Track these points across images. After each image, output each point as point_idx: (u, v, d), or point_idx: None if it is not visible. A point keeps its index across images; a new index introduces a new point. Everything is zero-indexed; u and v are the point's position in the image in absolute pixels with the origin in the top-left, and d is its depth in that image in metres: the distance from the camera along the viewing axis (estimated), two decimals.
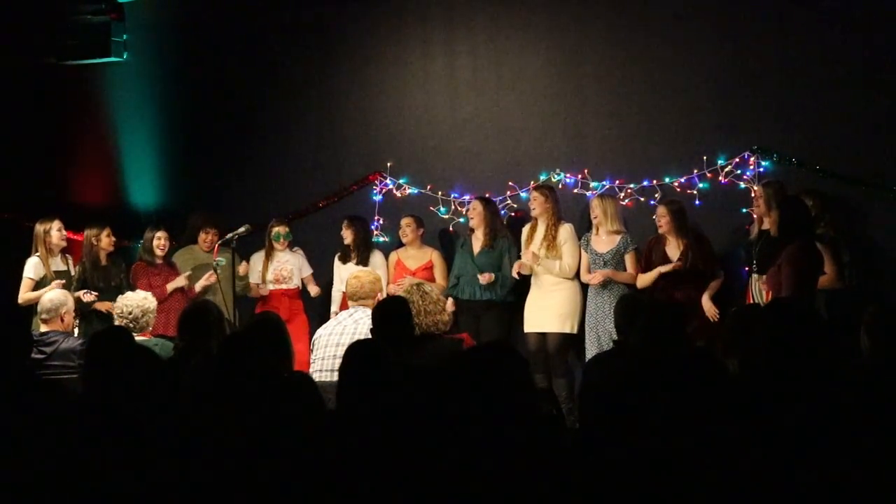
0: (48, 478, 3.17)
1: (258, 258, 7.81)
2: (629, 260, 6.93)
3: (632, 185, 7.34)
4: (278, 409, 3.14)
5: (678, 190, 7.18)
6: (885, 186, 6.75)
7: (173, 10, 8.80)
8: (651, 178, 7.29)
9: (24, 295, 7.17)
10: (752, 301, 6.49)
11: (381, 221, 7.96)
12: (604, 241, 6.98)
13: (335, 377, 4.11)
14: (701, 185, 7.15)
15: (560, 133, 7.66)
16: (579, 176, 7.49)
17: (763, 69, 7.09)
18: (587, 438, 3.18)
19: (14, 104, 8.87)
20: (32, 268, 7.23)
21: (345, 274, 7.19)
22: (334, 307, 7.58)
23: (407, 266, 7.51)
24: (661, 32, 7.38)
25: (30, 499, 3.16)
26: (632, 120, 7.45)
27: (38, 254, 7.27)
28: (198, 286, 7.45)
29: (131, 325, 5.55)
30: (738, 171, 7.07)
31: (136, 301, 5.67)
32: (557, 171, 7.55)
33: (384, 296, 6.36)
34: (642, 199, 7.30)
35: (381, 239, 7.90)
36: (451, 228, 7.83)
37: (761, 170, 7.00)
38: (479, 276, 7.12)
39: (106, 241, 7.42)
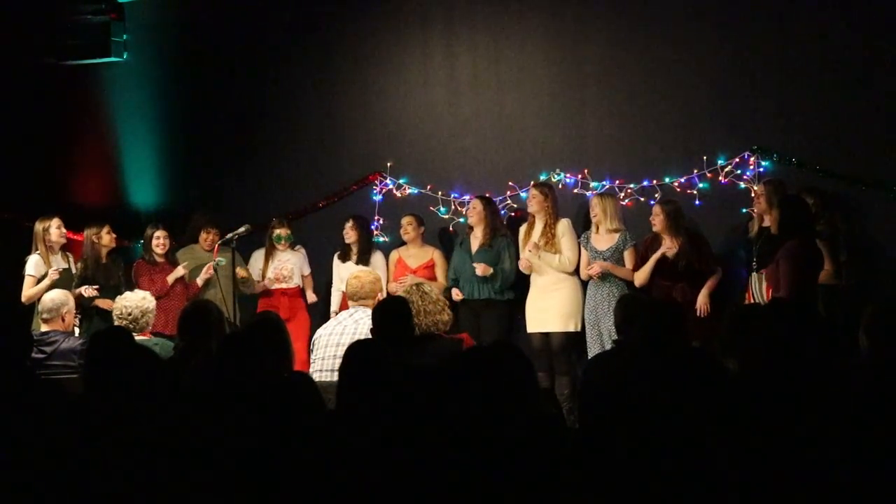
0: (48, 478, 3.17)
1: (259, 255, 7.81)
2: (628, 256, 6.94)
3: (632, 185, 7.34)
4: (278, 409, 3.14)
5: (678, 190, 7.19)
6: (885, 186, 6.76)
7: (173, 10, 8.80)
8: (651, 178, 7.29)
9: (27, 292, 7.17)
10: (752, 299, 6.50)
11: (381, 221, 7.96)
12: (603, 238, 6.99)
13: (335, 377, 4.11)
14: (701, 185, 7.15)
15: (560, 133, 7.66)
16: (579, 176, 7.49)
17: (763, 69, 7.09)
18: (587, 438, 3.18)
19: (14, 104, 8.87)
20: (34, 265, 7.23)
21: (344, 273, 7.20)
22: (334, 307, 7.58)
23: (408, 265, 7.52)
24: (661, 32, 7.38)
25: (30, 499, 3.16)
26: (632, 120, 7.45)
27: (38, 252, 7.28)
28: (199, 280, 7.46)
29: (131, 325, 5.54)
30: (738, 171, 7.07)
31: (134, 301, 5.67)
32: (557, 171, 7.55)
33: (384, 296, 6.37)
34: (642, 198, 7.30)
35: (382, 239, 7.91)
36: (451, 228, 7.83)
37: (761, 170, 7.00)
38: (475, 266, 7.12)
39: (107, 238, 7.43)
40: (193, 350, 4.63)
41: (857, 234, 6.75)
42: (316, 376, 5.12)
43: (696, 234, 6.89)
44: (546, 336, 7.05)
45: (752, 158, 7.04)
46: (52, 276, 7.02)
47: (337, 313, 6.91)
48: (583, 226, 7.28)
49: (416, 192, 7.90)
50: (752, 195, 6.86)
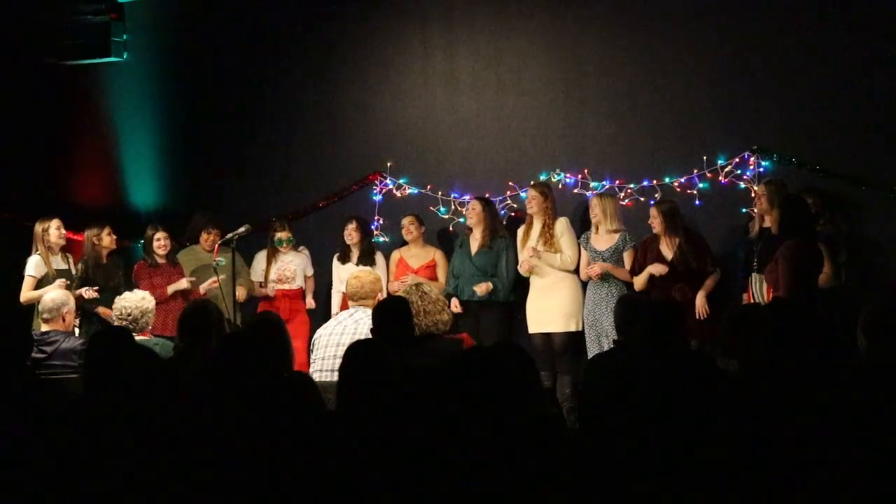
0: (48, 478, 3.17)
1: (261, 257, 7.81)
2: (628, 257, 6.94)
3: (632, 185, 7.34)
4: (278, 409, 3.14)
5: (678, 190, 7.19)
6: (885, 186, 6.76)
7: (173, 10, 8.80)
8: (651, 178, 7.29)
9: (26, 294, 7.17)
10: (752, 300, 6.49)
11: (381, 221, 7.96)
12: (603, 239, 6.99)
13: (335, 377, 4.11)
14: (701, 185, 7.15)
15: (560, 133, 7.66)
16: (579, 176, 7.49)
17: (763, 69, 7.09)
18: (587, 438, 3.18)
19: (14, 104, 8.87)
20: (34, 266, 7.23)
21: (344, 274, 7.20)
22: (334, 309, 7.58)
23: (410, 265, 7.52)
24: (661, 32, 7.38)
25: (30, 499, 3.16)
26: (632, 120, 7.45)
27: (38, 252, 7.28)
28: (202, 288, 7.42)
29: (130, 325, 5.55)
30: (738, 171, 7.07)
31: (134, 302, 5.67)
32: (557, 171, 7.55)
33: (384, 296, 6.37)
34: (642, 199, 7.30)
35: (382, 239, 7.91)
36: (450, 228, 7.83)
37: (761, 170, 7.00)
38: (475, 288, 7.12)
39: (107, 239, 7.42)
40: (193, 350, 4.63)
41: (857, 234, 6.75)
42: (316, 376, 5.12)
43: (695, 234, 6.90)
44: (548, 336, 7.06)
45: (752, 158, 7.04)
46: (60, 284, 6.99)
47: (337, 314, 6.91)
48: (582, 226, 7.28)
49: (416, 192, 7.90)
50: (752, 195, 6.86)
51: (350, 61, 8.22)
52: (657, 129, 7.37)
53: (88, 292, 7.06)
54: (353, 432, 3.17)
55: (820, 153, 6.91)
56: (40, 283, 7.14)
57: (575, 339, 7.01)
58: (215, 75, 8.59)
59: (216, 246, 7.51)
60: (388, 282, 7.46)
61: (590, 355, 6.67)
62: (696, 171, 7.16)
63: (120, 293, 6.11)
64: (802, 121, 7.00)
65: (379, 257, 7.65)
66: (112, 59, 8.67)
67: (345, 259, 7.67)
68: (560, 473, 2.86)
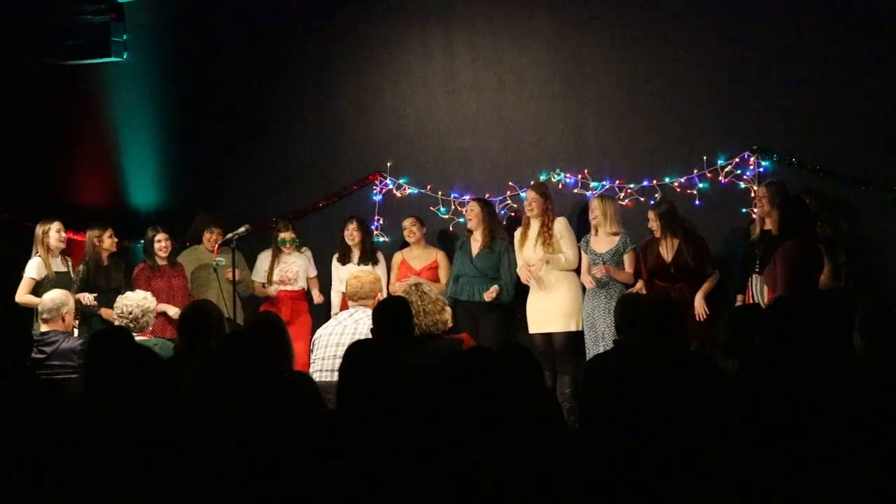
0: (48, 478, 3.17)
1: (265, 257, 7.80)
2: (628, 260, 6.94)
3: (632, 185, 7.34)
4: (278, 409, 3.14)
5: (678, 190, 7.19)
6: (885, 187, 6.75)
7: (173, 10, 8.80)
8: (651, 178, 7.29)
9: (23, 297, 7.15)
10: (751, 301, 6.49)
11: (381, 221, 7.96)
12: (603, 241, 6.99)
13: (335, 377, 4.11)
14: (701, 185, 7.15)
15: (560, 133, 7.66)
16: (579, 176, 7.49)
17: (763, 69, 7.09)
18: (587, 438, 3.18)
19: (14, 104, 8.87)
20: (35, 268, 7.22)
21: (344, 275, 7.19)
22: (334, 309, 7.57)
23: (412, 266, 7.51)
24: (661, 32, 7.38)
25: (30, 499, 3.16)
26: (632, 120, 7.45)
27: (38, 255, 7.27)
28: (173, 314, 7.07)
29: (131, 325, 5.55)
30: (738, 171, 7.07)
31: (135, 301, 5.68)
32: (557, 171, 7.55)
33: (384, 296, 6.37)
34: (642, 199, 7.30)
35: (382, 239, 7.90)
36: (450, 228, 7.83)
37: (761, 170, 7.00)
38: (484, 295, 7.11)
39: (108, 241, 7.41)
40: (193, 350, 4.63)
41: (857, 234, 6.75)
42: (316, 376, 5.12)
43: (695, 234, 6.89)
44: (548, 336, 7.05)
45: (752, 158, 7.04)
46: (88, 300, 7.01)
47: (337, 314, 6.90)
48: (578, 225, 7.27)
49: (416, 192, 7.90)
50: (753, 196, 6.86)
51: (350, 61, 8.22)
52: (657, 129, 7.37)
53: (87, 298, 7.05)
54: (353, 432, 3.17)
55: (820, 153, 6.91)
56: (38, 284, 7.12)
57: (575, 339, 7.01)
58: (215, 75, 8.59)
59: (216, 246, 7.51)
60: (388, 282, 7.46)
61: (589, 356, 6.68)
62: (696, 171, 7.16)
63: (122, 294, 6.11)
64: (802, 121, 7.00)
65: (380, 257, 7.65)
66: (112, 59, 8.68)
67: (345, 259, 7.66)
68: (560, 474, 2.86)
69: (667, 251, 6.76)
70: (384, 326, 4.62)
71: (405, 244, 7.63)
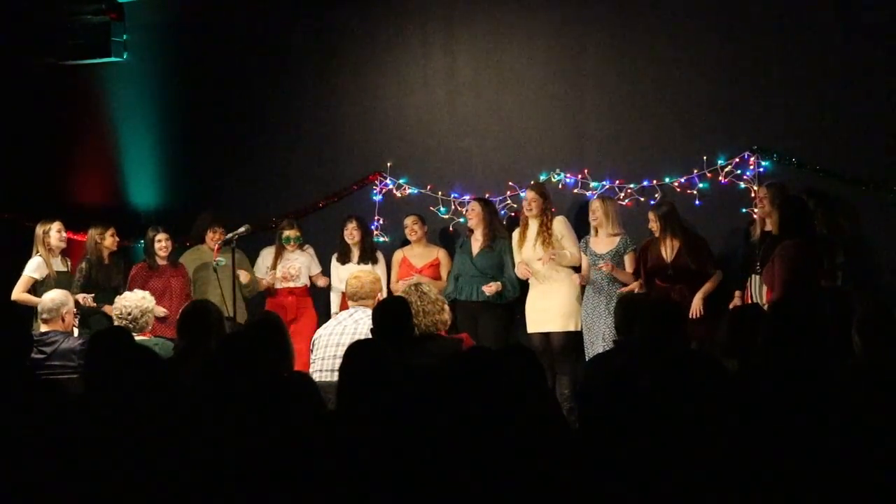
0: (48, 478, 3.17)
1: (266, 253, 7.80)
2: (628, 260, 6.94)
3: (632, 185, 7.35)
4: (278, 409, 3.14)
5: (678, 190, 7.19)
6: (885, 186, 6.76)
7: (173, 10, 8.80)
8: (651, 178, 7.29)
9: (19, 294, 7.15)
10: (750, 301, 6.49)
11: (380, 221, 7.96)
12: (603, 242, 6.99)
13: (335, 377, 4.11)
14: (701, 185, 7.15)
15: (560, 133, 7.66)
16: (579, 176, 7.49)
17: (763, 69, 7.09)
18: (587, 438, 3.18)
19: (14, 104, 8.87)
20: (35, 267, 7.22)
21: (343, 274, 7.20)
22: (334, 308, 7.58)
23: (413, 264, 7.50)
24: (662, 32, 7.38)
25: (30, 499, 3.16)
26: (632, 120, 7.45)
27: (38, 254, 7.27)
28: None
29: (130, 325, 5.54)
30: (738, 171, 7.07)
31: (134, 301, 5.67)
32: (557, 171, 7.55)
33: (384, 296, 6.37)
34: (642, 199, 7.30)
35: (382, 239, 7.90)
36: (451, 228, 7.83)
37: (761, 170, 7.00)
38: (484, 288, 7.11)
39: (110, 240, 7.43)
40: (193, 350, 4.63)
41: (856, 234, 6.75)
42: (316, 376, 5.12)
43: (695, 235, 6.89)
44: (547, 336, 7.05)
45: (752, 158, 7.04)
46: (87, 301, 7.03)
47: (337, 314, 6.91)
48: (578, 226, 7.27)
49: (416, 192, 7.90)
50: (753, 196, 6.86)
51: (350, 61, 8.22)
52: (657, 129, 7.37)
53: (85, 300, 7.05)
54: (353, 432, 3.17)
55: (820, 153, 6.91)
56: (40, 285, 7.12)
57: (574, 339, 7.01)
58: (215, 75, 8.59)
59: (217, 246, 7.51)
60: (388, 282, 7.46)
61: (588, 357, 6.68)
62: (696, 171, 7.16)
63: (121, 293, 6.11)
64: (802, 121, 7.00)
65: (380, 256, 7.65)
66: (112, 59, 8.68)
67: (344, 259, 7.65)
68: (560, 474, 2.86)
69: (667, 252, 6.76)
70: (384, 326, 4.62)
71: (405, 243, 7.62)
